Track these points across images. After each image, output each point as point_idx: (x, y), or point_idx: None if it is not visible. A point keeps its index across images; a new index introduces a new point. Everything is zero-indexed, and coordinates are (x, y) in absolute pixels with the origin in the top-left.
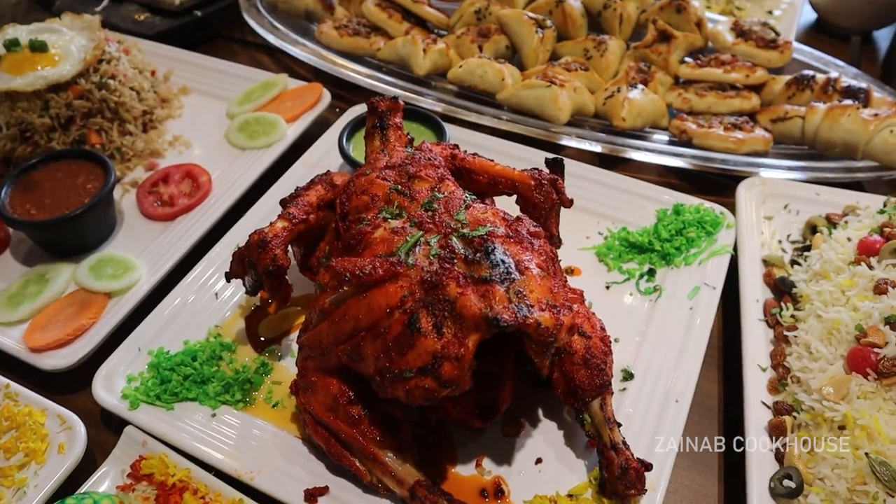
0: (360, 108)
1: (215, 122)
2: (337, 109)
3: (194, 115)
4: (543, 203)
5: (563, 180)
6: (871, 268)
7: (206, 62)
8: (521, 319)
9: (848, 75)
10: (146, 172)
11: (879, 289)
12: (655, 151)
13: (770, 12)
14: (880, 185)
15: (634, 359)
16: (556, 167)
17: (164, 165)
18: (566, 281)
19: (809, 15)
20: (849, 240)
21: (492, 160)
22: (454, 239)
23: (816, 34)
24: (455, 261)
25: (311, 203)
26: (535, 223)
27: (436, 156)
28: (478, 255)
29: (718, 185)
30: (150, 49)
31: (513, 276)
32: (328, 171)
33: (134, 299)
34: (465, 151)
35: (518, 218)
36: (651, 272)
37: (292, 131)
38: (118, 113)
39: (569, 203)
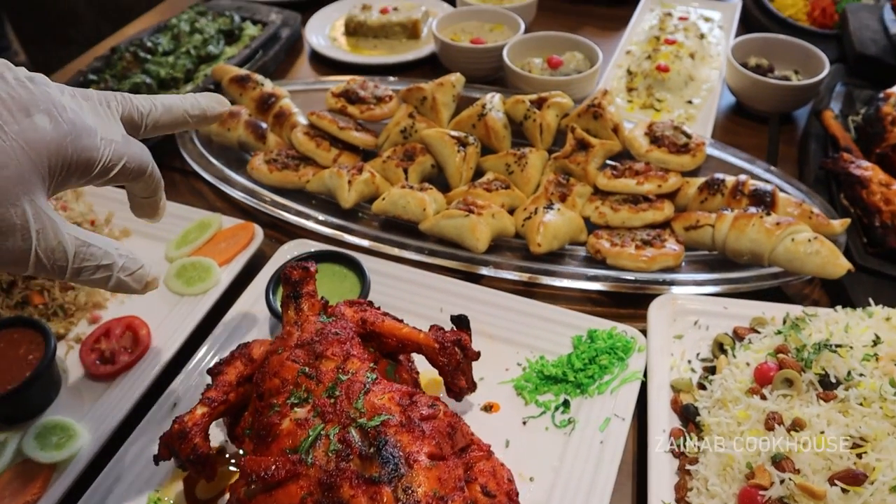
0: (291, 247)
1: (155, 267)
2: (274, 240)
3: None
4: (447, 364)
5: (469, 336)
6: (763, 398)
7: None
8: None
9: (760, 166)
10: (90, 326)
11: (768, 424)
12: (571, 277)
13: (690, 101)
14: (797, 288)
15: (548, 497)
16: (461, 324)
17: (106, 318)
18: (471, 438)
19: (729, 98)
20: (747, 364)
21: (401, 320)
22: (352, 431)
23: (736, 117)
24: (351, 456)
25: (231, 382)
26: (430, 402)
27: (346, 325)
28: (371, 449)
29: (635, 299)
30: (90, 190)
31: (401, 471)
32: (247, 343)
33: (76, 469)
34: (379, 308)
35: (413, 402)
36: (566, 403)
37: (227, 274)
38: None
39: (476, 357)
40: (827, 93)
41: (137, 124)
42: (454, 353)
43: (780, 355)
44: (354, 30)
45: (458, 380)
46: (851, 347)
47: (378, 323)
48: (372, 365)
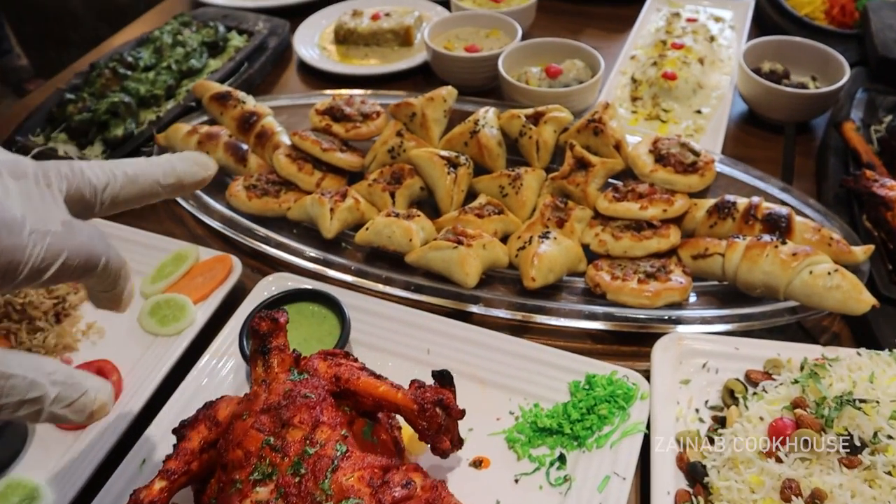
0: (270, 282)
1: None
2: (255, 270)
3: None
4: (428, 428)
5: (453, 394)
6: (779, 461)
7: (119, 232)
8: None
9: (775, 185)
10: None
11: (784, 494)
12: (568, 315)
13: (699, 111)
14: (816, 321)
15: None
16: (443, 381)
17: (77, 362)
18: None
19: (741, 105)
20: (761, 419)
21: (379, 376)
22: None
23: (749, 126)
24: None
25: (193, 450)
26: (405, 480)
27: (318, 384)
28: None
29: (639, 336)
30: None
31: None
32: (213, 402)
33: None
34: (356, 361)
35: (385, 482)
36: (562, 458)
37: (203, 312)
38: (26, 312)
39: (461, 416)
40: (847, 100)
41: (90, 202)
42: (435, 414)
43: (798, 410)
44: (344, 38)
45: (441, 442)
46: (878, 402)
47: (353, 380)
48: (343, 433)
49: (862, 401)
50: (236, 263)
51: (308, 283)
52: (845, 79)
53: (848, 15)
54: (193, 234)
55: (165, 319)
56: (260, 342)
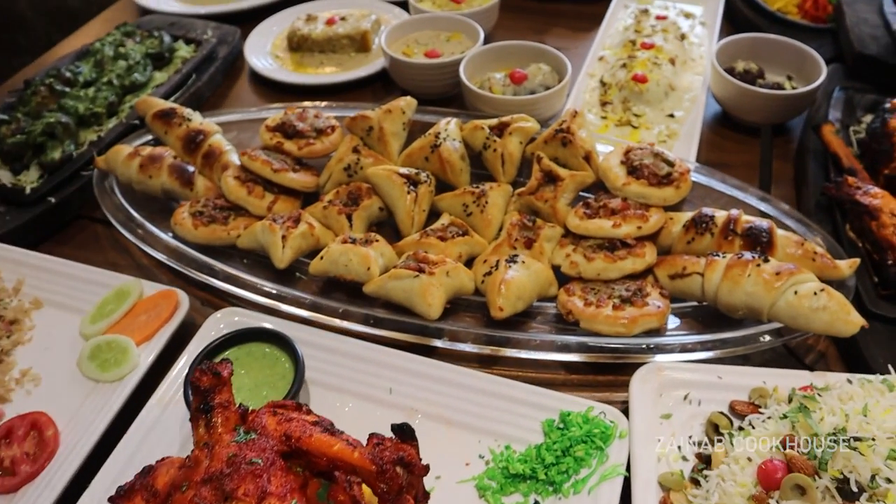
0: (219, 319)
1: (68, 345)
2: (206, 303)
3: (46, 336)
4: (388, 492)
5: (415, 449)
6: None
7: (59, 266)
8: None
9: (753, 195)
10: None
11: None
12: (538, 347)
13: (671, 115)
14: (801, 340)
15: None
16: (404, 435)
17: (10, 414)
18: None
19: (715, 106)
20: (749, 460)
21: (334, 432)
22: None
23: (723, 129)
24: None
25: None
26: None
27: (266, 445)
28: None
29: (615, 366)
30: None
31: None
32: (151, 468)
33: None
34: (310, 414)
35: None
36: None
37: (147, 354)
38: None
39: (424, 472)
40: (824, 99)
41: None
42: (396, 475)
43: (789, 452)
44: (298, 44)
45: (406, 500)
46: (874, 440)
47: (305, 439)
48: (294, 502)
49: (857, 439)
50: (183, 299)
51: (260, 320)
52: (822, 78)
53: (821, 8)
54: (139, 265)
55: (107, 364)
56: (201, 399)
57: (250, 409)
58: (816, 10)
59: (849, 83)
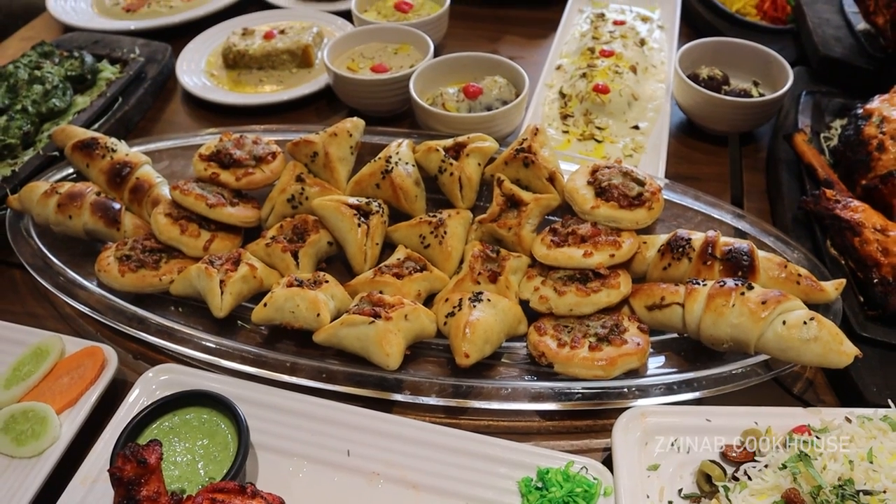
0: (152, 378)
1: None
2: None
3: None
4: None
5: None
6: None
7: None
8: None
9: (728, 212)
10: None
11: None
12: (509, 398)
13: (636, 127)
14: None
15: None
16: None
17: None
18: None
19: (680, 114)
20: None
21: None
22: None
23: (690, 139)
24: None
25: None
26: None
27: None
28: None
29: (595, 410)
30: None
31: None
32: None
33: None
34: (255, 496)
35: None
36: None
37: (70, 424)
38: None
39: None
40: (792, 105)
41: None
42: None
43: None
44: (235, 61)
45: None
46: (885, 492)
47: None
48: None
49: (867, 492)
50: (111, 356)
51: (199, 377)
52: (789, 84)
53: (780, 9)
54: (62, 315)
55: (23, 437)
56: (125, 493)
57: (185, 495)
58: (776, 11)
59: (815, 87)
